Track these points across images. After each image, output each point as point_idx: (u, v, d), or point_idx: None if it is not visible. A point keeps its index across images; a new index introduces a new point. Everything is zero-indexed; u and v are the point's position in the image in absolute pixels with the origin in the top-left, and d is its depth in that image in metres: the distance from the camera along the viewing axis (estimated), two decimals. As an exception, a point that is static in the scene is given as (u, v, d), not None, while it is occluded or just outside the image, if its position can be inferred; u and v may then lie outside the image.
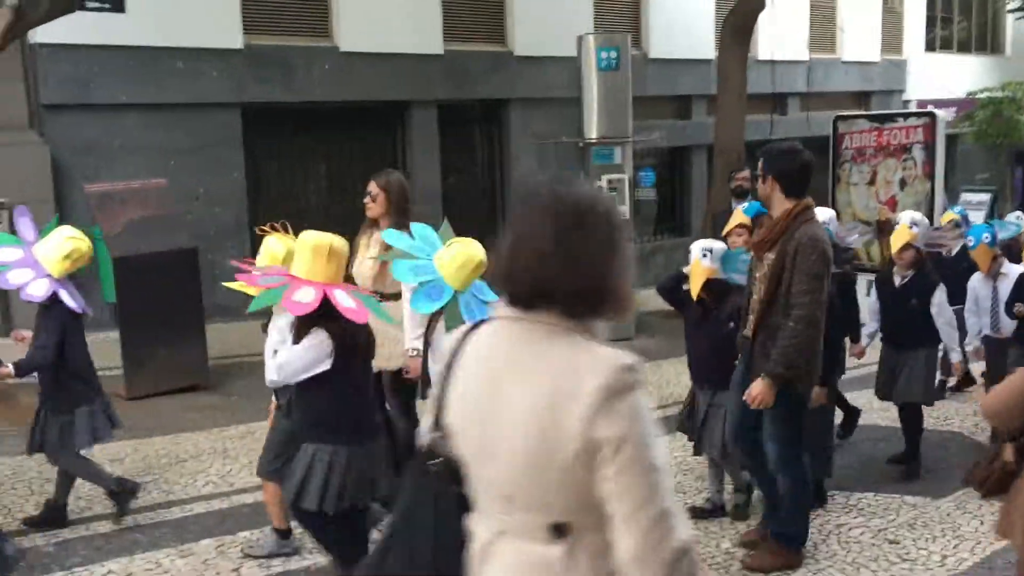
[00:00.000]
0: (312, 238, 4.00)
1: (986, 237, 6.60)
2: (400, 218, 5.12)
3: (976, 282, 6.75)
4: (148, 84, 10.66)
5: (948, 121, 14.47)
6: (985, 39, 24.48)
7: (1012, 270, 6.55)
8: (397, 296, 4.96)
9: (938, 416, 7.22)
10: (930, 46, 22.58)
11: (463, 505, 1.99)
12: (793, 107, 19.09)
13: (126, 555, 4.68)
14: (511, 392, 1.84)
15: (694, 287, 4.99)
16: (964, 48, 23.79)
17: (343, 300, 3.84)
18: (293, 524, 4.60)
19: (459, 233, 4.70)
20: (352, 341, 3.85)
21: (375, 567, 2.22)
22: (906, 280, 5.93)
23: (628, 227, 10.86)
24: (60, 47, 10.01)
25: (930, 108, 13.09)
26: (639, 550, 1.76)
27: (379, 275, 5.09)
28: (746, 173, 8.69)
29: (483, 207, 14.25)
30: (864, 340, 6.20)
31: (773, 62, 16.82)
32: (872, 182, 11.98)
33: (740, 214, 5.88)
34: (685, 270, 5.10)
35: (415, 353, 4.75)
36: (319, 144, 12.72)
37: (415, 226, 4.69)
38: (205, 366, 8.17)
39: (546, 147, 13.07)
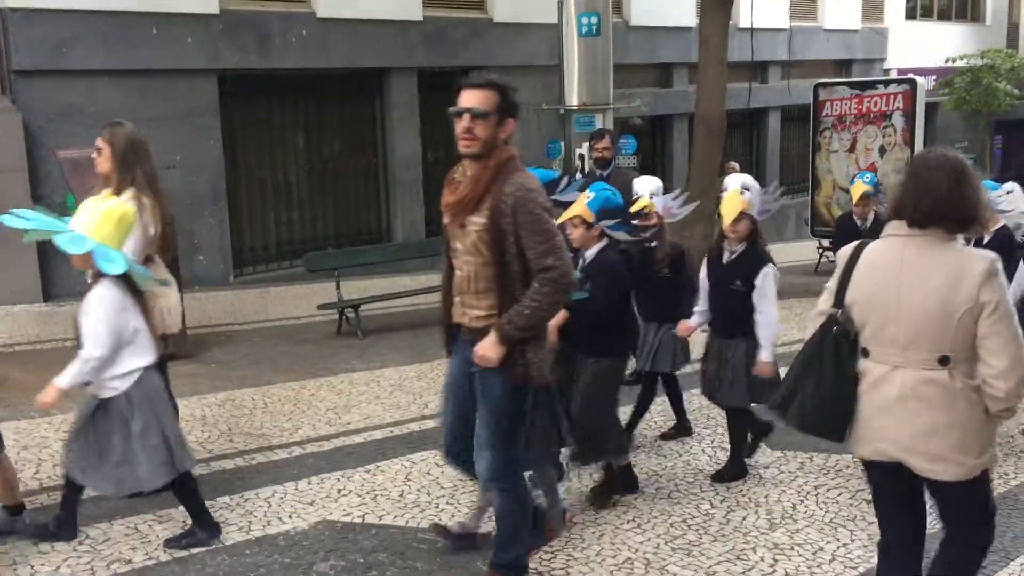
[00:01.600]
0: None
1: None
2: (126, 173, 4.74)
3: None
4: (122, 50, 10.50)
5: (928, 89, 14.49)
6: (965, 7, 24.50)
7: None
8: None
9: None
10: (911, 14, 22.59)
11: (855, 353, 3.22)
12: (774, 75, 19.08)
13: (104, 520, 4.65)
14: (922, 276, 3.07)
15: None
16: (944, 16, 23.81)
17: None
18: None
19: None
20: None
21: (789, 397, 3.32)
22: (734, 256, 5.03)
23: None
24: (32, 11, 9.84)
25: (910, 76, 13.10)
26: (1008, 367, 3.01)
27: None
28: (607, 142, 7.74)
29: (463, 175, 14.16)
30: (696, 319, 5.24)
31: (754, 30, 16.76)
32: (852, 149, 12.02)
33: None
34: None
35: None
36: (297, 112, 12.59)
37: (25, 212, 4.00)
38: (183, 335, 8.08)
39: (527, 114, 12.98)
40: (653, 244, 5.58)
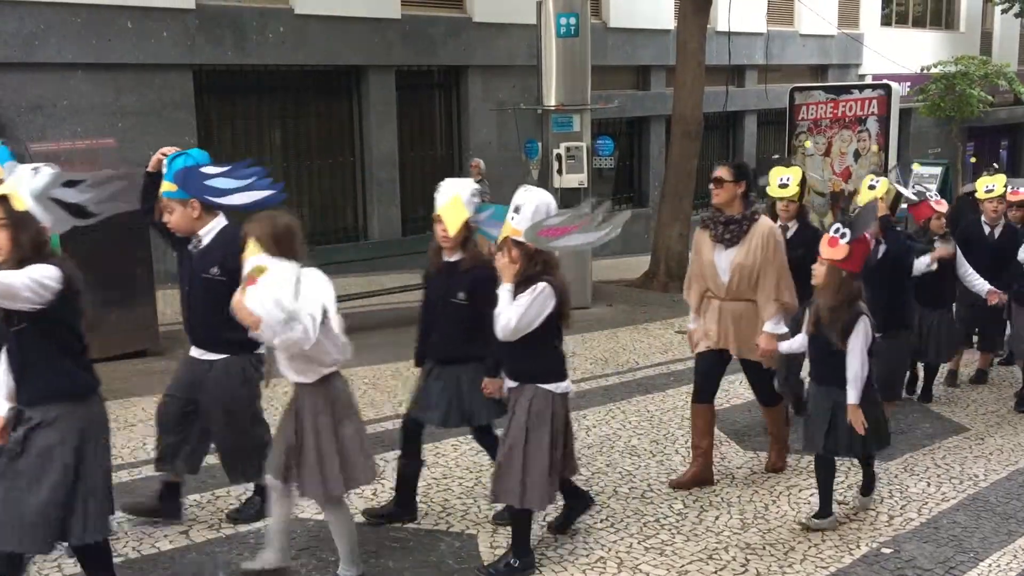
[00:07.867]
0: None
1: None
2: None
3: None
4: (95, 43, 10.40)
5: (902, 95, 14.62)
6: (940, 14, 24.76)
7: None
8: None
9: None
10: (886, 20, 22.79)
11: None
12: (751, 79, 19.18)
13: (72, 519, 4.58)
14: None
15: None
16: (919, 23, 24.05)
17: None
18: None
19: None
20: None
21: None
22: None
23: (586, 196, 10.86)
24: (4, 4, 9.74)
25: (885, 82, 13.22)
26: None
27: None
28: None
29: (441, 174, 14.09)
30: None
31: (731, 34, 16.85)
32: (827, 153, 12.09)
33: None
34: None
35: None
36: (273, 109, 12.51)
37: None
38: (155, 331, 8.02)
39: (505, 114, 12.99)
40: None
